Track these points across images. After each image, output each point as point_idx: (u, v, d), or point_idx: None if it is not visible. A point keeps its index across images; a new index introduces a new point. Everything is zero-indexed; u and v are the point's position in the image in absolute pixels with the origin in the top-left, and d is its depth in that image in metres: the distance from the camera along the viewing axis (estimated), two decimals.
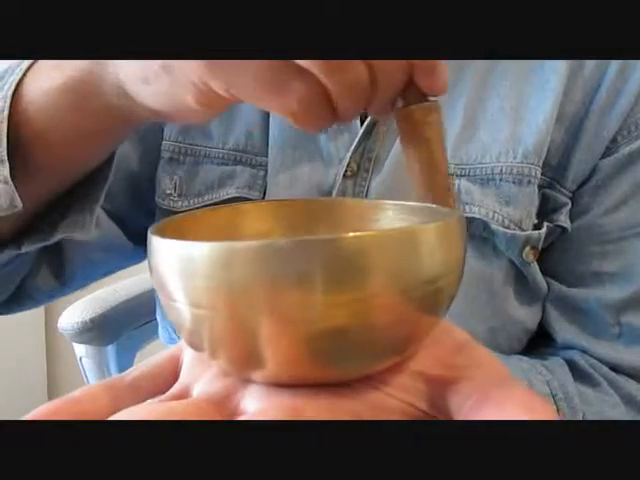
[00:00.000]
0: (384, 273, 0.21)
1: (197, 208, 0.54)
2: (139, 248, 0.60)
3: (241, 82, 0.29)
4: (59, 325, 0.86)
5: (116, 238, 0.57)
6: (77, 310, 0.86)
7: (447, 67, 0.30)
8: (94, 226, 0.44)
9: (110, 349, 0.88)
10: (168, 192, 0.55)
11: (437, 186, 0.31)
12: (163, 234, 0.24)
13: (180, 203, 0.54)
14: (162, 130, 0.55)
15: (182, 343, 0.28)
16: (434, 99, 0.31)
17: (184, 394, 0.25)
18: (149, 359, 0.28)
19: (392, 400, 0.23)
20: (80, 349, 0.90)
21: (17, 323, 1.52)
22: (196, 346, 0.24)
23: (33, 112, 0.37)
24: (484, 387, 0.22)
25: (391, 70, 0.29)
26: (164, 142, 0.55)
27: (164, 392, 0.26)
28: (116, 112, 0.36)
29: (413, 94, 0.30)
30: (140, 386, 0.26)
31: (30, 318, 1.60)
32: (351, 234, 0.21)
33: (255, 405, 0.23)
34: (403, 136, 0.32)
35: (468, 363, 0.24)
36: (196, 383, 0.25)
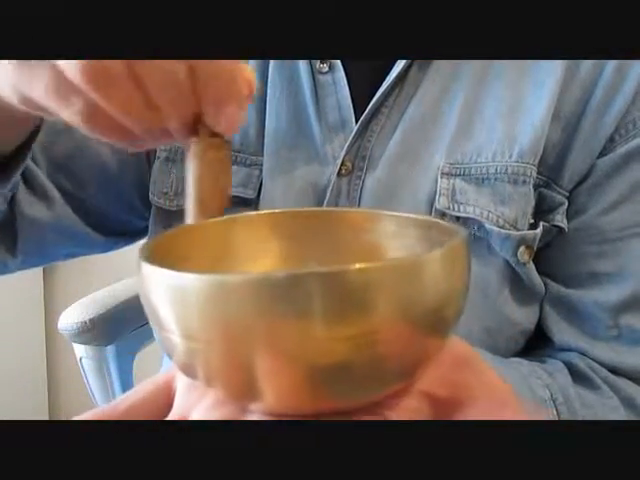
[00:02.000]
0: (390, 305, 0.20)
1: None
2: (114, 239, 0.61)
3: (33, 91, 0.29)
4: (59, 325, 0.86)
5: (72, 224, 0.57)
6: (77, 310, 0.86)
7: (240, 109, 0.30)
8: None
9: (110, 349, 0.89)
10: (165, 191, 0.55)
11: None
12: (153, 255, 0.23)
13: (175, 202, 0.54)
14: None
15: (175, 368, 0.27)
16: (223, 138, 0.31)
17: None
18: (142, 385, 0.27)
19: None
20: (80, 349, 0.90)
21: (17, 323, 1.52)
22: (191, 376, 0.24)
23: None
24: (490, 412, 0.22)
25: (172, 98, 0.28)
26: None
27: None
28: None
29: (203, 127, 0.30)
30: (134, 416, 0.26)
31: (30, 318, 1.60)
32: (356, 266, 0.20)
33: None
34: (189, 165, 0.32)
35: (472, 381, 0.24)
36: (193, 412, 0.25)
